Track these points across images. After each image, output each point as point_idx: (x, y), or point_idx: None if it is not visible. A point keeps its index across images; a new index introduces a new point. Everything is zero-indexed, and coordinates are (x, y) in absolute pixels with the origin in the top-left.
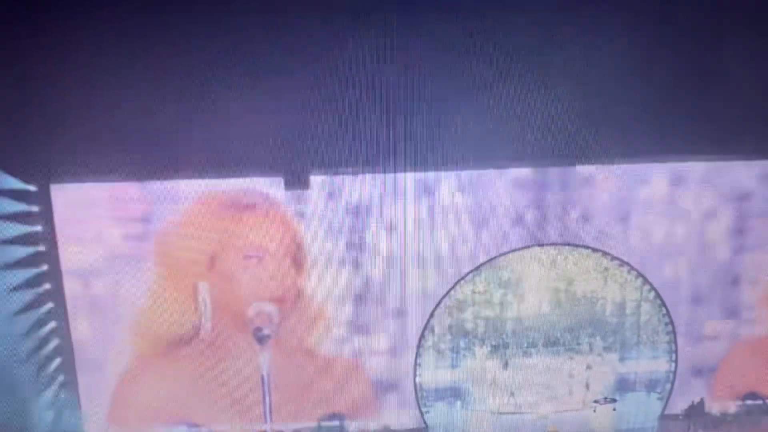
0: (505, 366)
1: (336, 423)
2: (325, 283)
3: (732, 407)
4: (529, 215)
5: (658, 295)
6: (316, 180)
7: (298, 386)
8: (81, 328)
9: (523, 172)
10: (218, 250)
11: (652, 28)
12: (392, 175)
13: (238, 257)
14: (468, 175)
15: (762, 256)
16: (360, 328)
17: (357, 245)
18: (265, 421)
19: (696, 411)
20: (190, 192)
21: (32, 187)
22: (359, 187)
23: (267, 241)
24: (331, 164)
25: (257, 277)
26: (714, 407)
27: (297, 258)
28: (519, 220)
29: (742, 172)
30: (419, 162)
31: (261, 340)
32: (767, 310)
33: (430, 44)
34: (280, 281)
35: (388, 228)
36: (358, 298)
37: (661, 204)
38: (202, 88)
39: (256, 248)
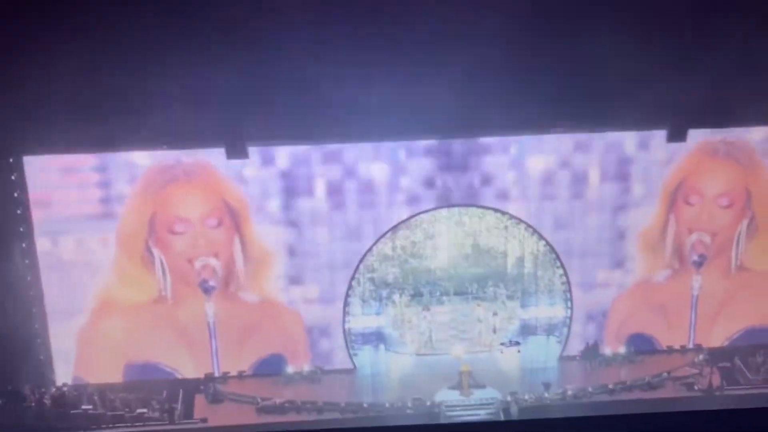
0: (422, 312)
1: (275, 363)
2: (264, 241)
3: (622, 348)
4: (438, 181)
5: (552, 249)
6: (255, 150)
7: (241, 331)
8: (51, 282)
9: (433, 143)
10: (164, 213)
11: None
12: (324, 147)
13: (181, 220)
14: (389, 146)
15: (642, 212)
16: (295, 280)
17: (292, 207)
18: (213, 362)
19: (590, 353)
20: (139, 162)
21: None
22: (294, 156)
23: (208, 203)
24: (268, 136)
25: (201, 235)
26: (607, 349)
27: (238, 219)
28: (429, 185)
29: (624, 141)
30: (346, 134)
31: (207, 290)
32: (648, 259)
33: (355, 22)
34: (219, 239)
35: (321, 192)
36: (293, 253)
37: (555, 169)
38: (146, 62)
39: (198, 210)
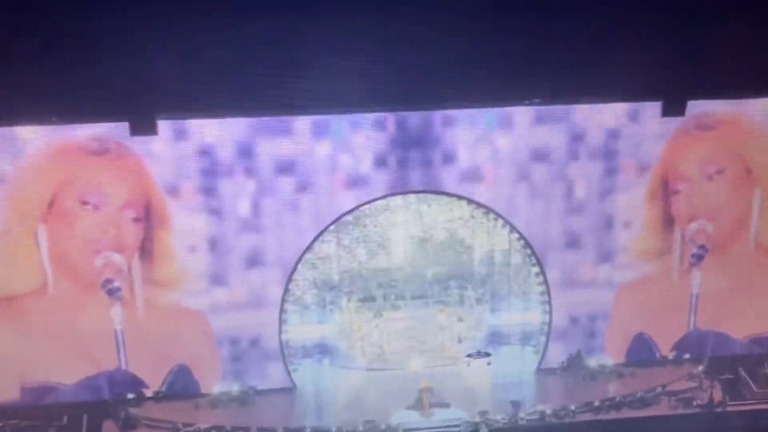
0: (374, 320)
1: (187, 378)
2: (179, 231)
3: (612, 359)
4: (391, 162)
5: (527, 243)
6: (164, 124)
7: (152, 343)
8: None
9: (383, 117)
10: (57, 196)
11: None
12: (248, 121)
13: (77, 204)
14: (323, 120)
15: (632, 197)
16: (217, 280)
17: (211, 192)
18: (120, 371)
19: (573, 364)
20: (33, 138)
21: None
22: (212, 131)
23: (110, 188)
24: (180, 109)
25: (101, 225)
26: (592, 360)
27: (146, 205)
28: (381, 164)
29: (609, 114)
30: (274, 106)
31: (111, 292)
32: (641, 253)
33: None
34: (128, 230)
35: (246, 174)
36: (214, 247)
37: (524, 148)
38: (45, 31)
39: (103, 191)
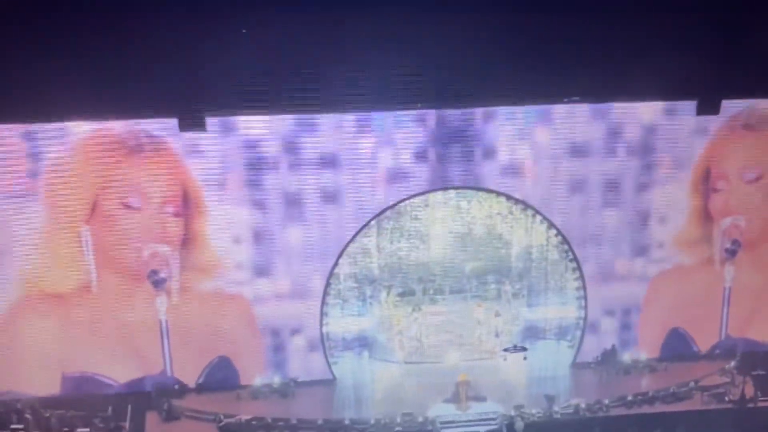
0: (413, 314)
1: (228, 367)
2: (223, 224)
3: (646, 354)
4: (432, 162)
5: (564, 240)
6: (213, 121)
7: (195, 333)
8: None
9: (424, 113)
10: (103, 192)
11: None
12: (294, 117)
13: (119, 206)
14: (366, 115)
15: (668, 192)
16: (261, 271)
17: (256, 185)
18: (164, 366)
19: (608, 358)
20: (78, 133)
21: None
22: (257, 128)
23: (149, 186)
24: (228, 105)
25: (143, 223)
26: (626, 354)
27: (191, 198)
28: (421, 162)
29: (645, 112)
30: (319, 103)
31: (157, 283)
32: (677, 247)
33: None
34: (170, 224)
35: (290, 168)
36: (258, 238)
37: (565, 144)
38: (95, 28)
39: (143, 190)
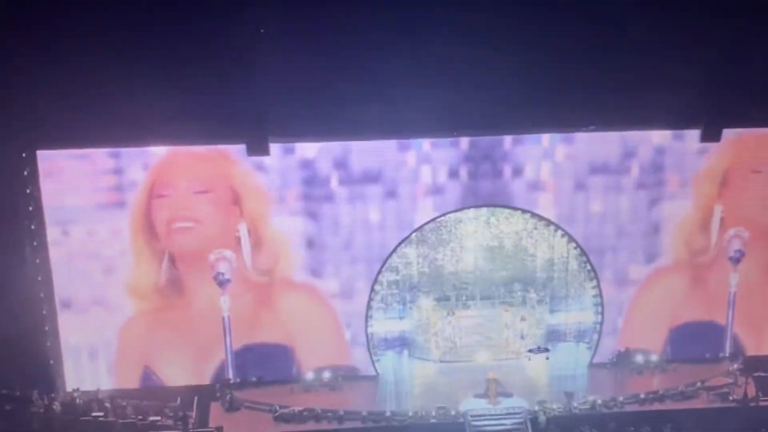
0: (447, 317)
1: (287, 360)
2: (281, 231)
3: (656, 355)
4: (464, 179)
5: (583, 252)
6: (276, 147)
7: (256, 327)
8: (64, 285)
9: (463, 141)
10: (184, 206)
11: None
12: (347, 143)
13: (191, 224)
14: (416, 143)
15: (677, 204)
16: (314, 272)
17: (313, 198)
18: (228, 360)
19: (623, 359)
20: (160, 157)
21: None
22: (312, 150)
23: (227, 195)
24: (290, 133)
25: (212, 237)
26: (639, 355)
27: (257, 211)
28: (457, 184)
29: (654, 141)
30: (373, 131)
31: (221, 283)
32: (684, 253)
33: (390, 24)
34: (239, 231)
35: (343, 185)
36: (311, 245)
37: (585, 168)
38: (170, 60)
39: (218, 200)
